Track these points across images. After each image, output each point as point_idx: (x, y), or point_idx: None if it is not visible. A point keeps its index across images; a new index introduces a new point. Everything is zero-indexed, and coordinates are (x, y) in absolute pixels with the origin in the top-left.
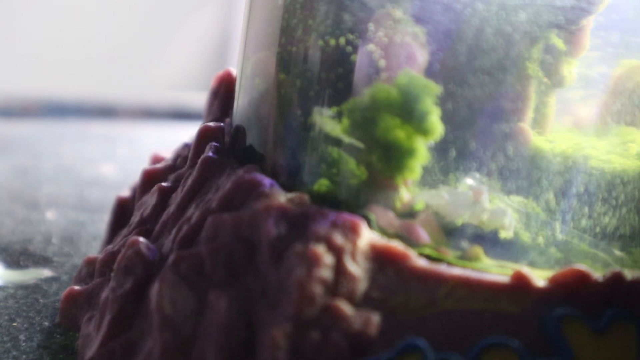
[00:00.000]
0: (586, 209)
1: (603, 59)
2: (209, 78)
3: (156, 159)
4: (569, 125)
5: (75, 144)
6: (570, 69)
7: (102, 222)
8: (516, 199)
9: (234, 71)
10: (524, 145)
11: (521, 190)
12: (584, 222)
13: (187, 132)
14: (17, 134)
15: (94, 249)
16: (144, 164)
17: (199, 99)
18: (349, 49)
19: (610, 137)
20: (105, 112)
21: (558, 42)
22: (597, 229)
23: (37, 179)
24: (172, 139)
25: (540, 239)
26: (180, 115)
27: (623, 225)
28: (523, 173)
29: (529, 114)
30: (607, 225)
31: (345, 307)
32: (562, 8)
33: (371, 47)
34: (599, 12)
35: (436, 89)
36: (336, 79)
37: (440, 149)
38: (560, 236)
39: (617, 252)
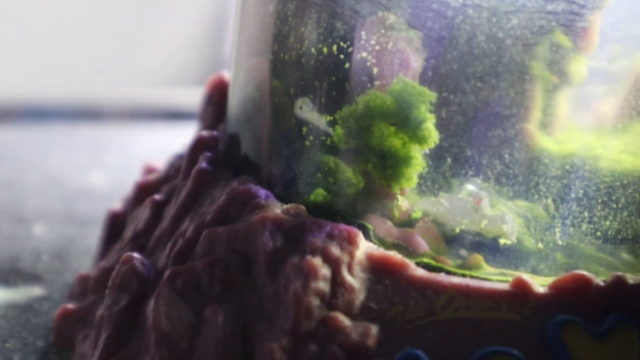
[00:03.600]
0: (594, 212)
1: (625, 52)
2: (204, 70)
3: (148, 170)
4: (585, 123)
5: (61, 151)
6: (579, 66)
7: (92, 236)
8: (521, 204)
9: (227, 75)
10: (528, 147)
11: (525, 194)
12: (589, 226)
13: (182, 134)
14: None
15: (85, 265)
16: (135, 171)
17: (194, 96)
18: (342, 57)
19: (626, 135)
20: (91, 114)
21: (564, 39)
22: (604, 232)
23: (22, 191)
24: (165, 142)
25: (545, 244)
26: (174, 115)
27: (626, 228)
28: (527, 176)
29: (536, 115)
30: (612, 228)
31: (343, 319)
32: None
33: (364, 54)
34: (611, 6)
35: (431, 95)
36: (330, 87)
37: (439, 156)
38: (566, 240)
39: (625, 255)
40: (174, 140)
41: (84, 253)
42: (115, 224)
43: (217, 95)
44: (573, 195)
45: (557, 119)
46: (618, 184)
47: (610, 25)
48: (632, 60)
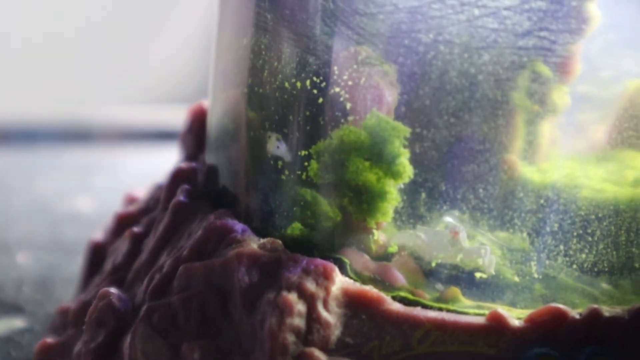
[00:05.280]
0: (571, 244)
1: (616, 78)
2: (196, 86)
3: (130, 200)
4: (569, 152)
5: (47, 174)
6: (561, 95)
7: (77, 264)
8: (500, 235)
9: (207, 104)
10: (507, 179)
11: (504, 225)
12: (564, 259)
13: (172, 156)
14: None
15: (68, 295)
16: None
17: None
18: (315, 91)
19: (610, 163)
20: (79, 136)
21: (544, 69)
22: (580, 265)
23: (5, 217)
24: (156, 164)
25: (524, 276)
26: (167, 134)
27: (602, 260)
28: (506, 208)
29: (518, 145)
30: (588, 260)
31: (319, 355)
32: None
33: (337, 89)
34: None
35: (405, 130)
36: (304, 121)
37: (416, 189)
38: (545, 272)
39: (605, 286)
40: (165, 163)
41: (68, 282)
42: (96, 255)
43: (198, 124)
44: (553, 225)
45: (539, 148)
46: (593, 216)
47: (598, 51)
48: (621, 87)
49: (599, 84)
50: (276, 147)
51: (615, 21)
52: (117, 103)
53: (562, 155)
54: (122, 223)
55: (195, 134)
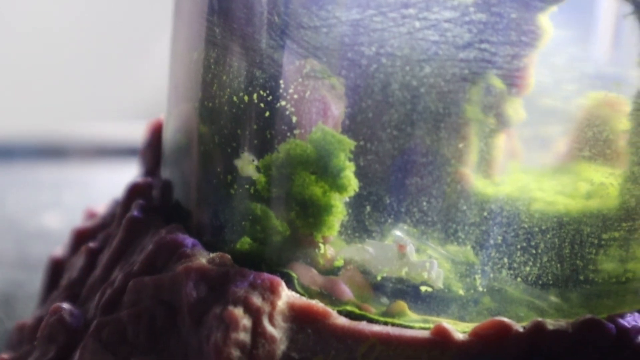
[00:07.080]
0: (523, 256)
1: (579, 91)
2: None
3: (90, 215)
4: (525, 164)
5: (18, 190)
6: (516, 108)
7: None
8: (450, 248)
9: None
10: (458, 191)
11: (453, 238)
12: (508, 271)
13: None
14: None
15: (30, 312)
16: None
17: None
18: (262, 105)
19: (564, 175)
20: (52, 152)
21: (497, 81)
22: (532, 276)
23: None
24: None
25: (473, 289)
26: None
27: (547, 272)
28: (456, 220)
29: (470, 158)
30: (539, 271)
31: None
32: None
33: (283, 103)
34: (544, 46)
35: (350, 144)
36: (252, 135)
37: (362, 203)
38: (494, 284)
39: (553, 299)
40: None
41: (31, 299)
42: (55, 271)
43: (156, 139)
44: (497, 238)
45: (492, 161)
46: (537, 229)
47: (570, 62)
48: (579, 100)
49: (556, 96)
50: (250, 160)
51: (575, 35)
52: (93, 119)
53: (516, 167)
54: (80, 238)
55: (154, 149)
